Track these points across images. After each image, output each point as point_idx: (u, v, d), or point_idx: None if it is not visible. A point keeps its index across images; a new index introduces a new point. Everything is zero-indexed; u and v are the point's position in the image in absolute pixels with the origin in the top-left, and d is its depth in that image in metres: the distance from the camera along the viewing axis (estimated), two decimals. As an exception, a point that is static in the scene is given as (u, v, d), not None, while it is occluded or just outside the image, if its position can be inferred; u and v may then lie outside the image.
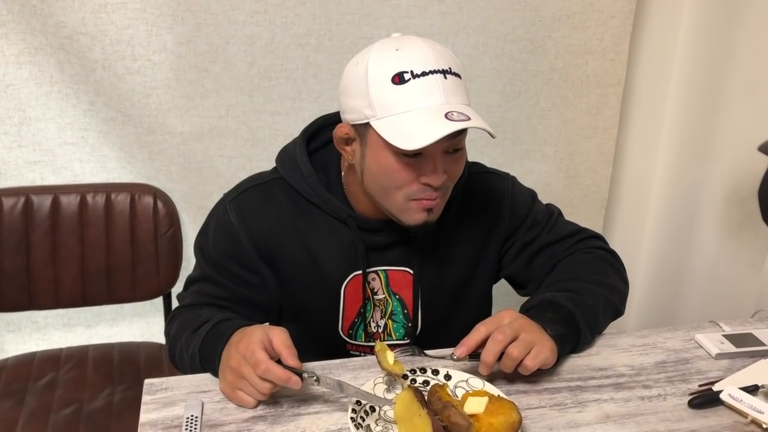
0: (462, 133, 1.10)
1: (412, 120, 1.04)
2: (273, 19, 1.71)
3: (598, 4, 1.89)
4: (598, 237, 1.38)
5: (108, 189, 1.75)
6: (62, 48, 1.66)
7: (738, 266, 1.82)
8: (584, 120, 2.03)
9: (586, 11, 1.88)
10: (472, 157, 1.33)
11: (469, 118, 1.04)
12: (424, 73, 1.05)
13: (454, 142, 1.09)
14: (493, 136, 1.06)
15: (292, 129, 1.79)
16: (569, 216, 1.41)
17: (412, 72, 1.05)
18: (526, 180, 1.41)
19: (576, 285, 1.21)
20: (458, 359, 1.05)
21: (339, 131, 1.15)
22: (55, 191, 1.72)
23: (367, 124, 1.08)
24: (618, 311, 1.27)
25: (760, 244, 1.75)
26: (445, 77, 1.06)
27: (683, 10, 1.94)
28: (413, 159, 1.08)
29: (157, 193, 1.77)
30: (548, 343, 1.08)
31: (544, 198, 1.41)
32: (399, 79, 1.05)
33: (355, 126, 1.12)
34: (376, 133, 1.07)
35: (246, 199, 1.25)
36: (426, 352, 1.14)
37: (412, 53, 1.07)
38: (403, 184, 1.10)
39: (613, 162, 2.12)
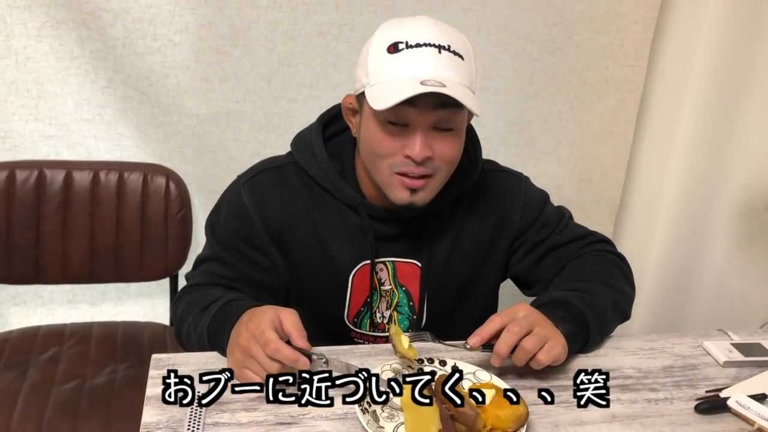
0: (450, 108, 1.08)
1: (393, 85, 1.06)
2: (296, 5, 1.71)
3: (621, 9, 1.88)
4: (607, 241, 1.38)
5: (121, 167, 1.76)
6: (84, 23, 1.66)
7: (747, 278, 1.81)
8: (600, 124, 2.02)
9: (608, 15, 1.88)
10: (486, 155, 1.34)
11: (445, 87, 1.04)
12: (418, 45, 1.07)
13: (441, 117, 1.09)
14: (475, 114, 1.09)
15: (308, 117, 1.76)
16: (580, 220, 1.41)
17: (407, 42, 1.07)
18: (539, 182, 1.41)
19: (586, 286, 1.21)
20: (471, 349, 1.05)
21: (345, 101, 1.19)
22: (69, 167, 1.73)
23: (364, 93, 1.10)
24: (625, 315, 1.26)
25: (770, 257, 1.75)
26: (440, 52, 1.07)
27: (705, 19, 1.93)
28: (399, 129, 1.09)
29: (169, 174, 1.77)
30: (561, 339, 1.08)
31: (555, 201, 1.40)
32: (394, 48, 1.08)
33: (357, 96, 1.15)
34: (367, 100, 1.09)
35: (260, 182, 1.25)
36: (440, 340, 1.14)
37: (413, 27, 1.09)
38: (386, 154, 1.11)
39: (627, 168, 2.11)
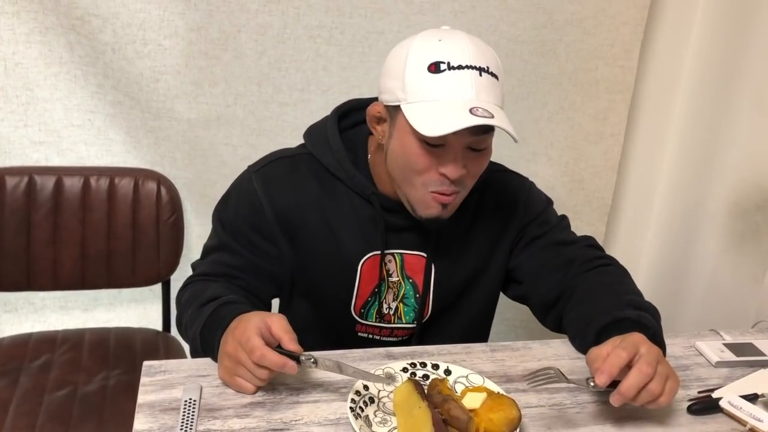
0: (488, 132, 1.11)
1: (438, 109, 1.06)
2: (285, 9, 1.71)
3: (611, 10, 1.88)
4: (601, 248, 1.37)
5: (112, 173, 1.75)
6: (73, 29, 1.65)
7: (738, 278, 1.82)
8: (591, 125, 2.02)
9: (598, 16, 1.88)
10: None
11: (493, 117, 1.04)
12: (460, 67, 1.07)
13: (478, 139, 1.10)
14: (515, 140, 1.08)
15: (299, 120, 1.78)
16: (572, 221, 1.41)
17: (449, 63, 1.07)
18: (531, 183, 1.42)
19: (642, 303, 1.18)
20: (599, 389, 0.97)
21: (372, 109, 1.18)
22: (59, 173, 1.72)
23: (398, 107, 1.10)
24: None
25: (761, 256, 1.75)
26: (480, 75, 1.08)
27: (695, 20, 1.94)
28: (435, 148, 1.10)
29: (160, 179, 1.77)
30: (677, 377, 1.02)
31: (546, 202, 1.41)
32: (435, 68, 1.07)
33: (387, 107, 1.15)
34: (404, 116, 1.09)
35: (271, 170, 1.26)
36: (568, 376, 1.00)
37: (453, 46, 1.09)
38: (422, 171, 1.12)
39: (618, 169, 2.11)
